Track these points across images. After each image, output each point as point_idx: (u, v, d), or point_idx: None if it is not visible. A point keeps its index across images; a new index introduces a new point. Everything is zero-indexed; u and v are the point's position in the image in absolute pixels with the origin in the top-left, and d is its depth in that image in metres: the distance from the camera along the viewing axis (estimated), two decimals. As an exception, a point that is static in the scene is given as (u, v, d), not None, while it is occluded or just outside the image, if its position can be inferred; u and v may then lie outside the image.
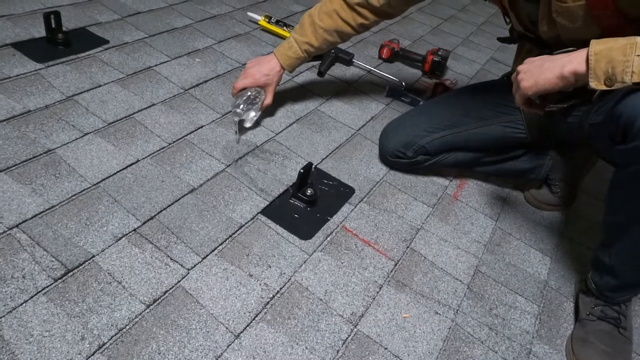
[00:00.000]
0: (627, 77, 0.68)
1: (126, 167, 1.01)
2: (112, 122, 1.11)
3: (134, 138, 1.09)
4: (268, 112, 1.26)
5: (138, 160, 1.03)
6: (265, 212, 1.00)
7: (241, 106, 1.13)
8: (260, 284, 0.86)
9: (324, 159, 1.19)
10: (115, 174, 0.99)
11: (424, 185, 1.21)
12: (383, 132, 1.23)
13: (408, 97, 1.50)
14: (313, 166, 1.04)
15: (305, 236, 0.97)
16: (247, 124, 1.20)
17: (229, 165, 1.09)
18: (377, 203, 1.12)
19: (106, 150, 1.03)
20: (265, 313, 0.82)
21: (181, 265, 0.85)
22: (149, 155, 1.05)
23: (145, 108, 1.18)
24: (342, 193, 1.11)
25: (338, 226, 1.02)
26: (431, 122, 1.16)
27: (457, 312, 0.93)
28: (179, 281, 0.83)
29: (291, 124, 1.28)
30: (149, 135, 1.11)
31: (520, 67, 0.84)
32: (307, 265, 0.92)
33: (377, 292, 0.91)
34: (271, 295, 0.85)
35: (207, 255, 0.88)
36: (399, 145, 1.17)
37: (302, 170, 1.00)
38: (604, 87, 0.71)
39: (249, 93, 1.15)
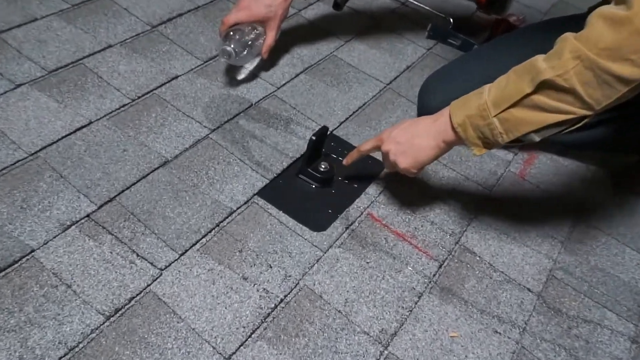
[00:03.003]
0: (499, 138, 0.83)
1: (74, 132, 1.01)
2: (55, 70, 1.11)
3: (84, 92, 1.08)
4: (267, 57, 1.24)
5: (91, 122, 1.03)
6: (263, 193, 1.00)
7: (232, 45, 1.11)
8: (258, 290, 0.87)
9: (342, 122, 1.19)
10: (59, 140, 0.99)
11: (478, 160, 1.21)
12: (423, 87, 1.23)
13: (458, 38, 1.49)
14: (328, 131, 1.04)
15: (317, 227, 0.98)
16: (241, 76, 1.19)
17: (215, 129, 1.09)
18: (415, 183, 1.11)
19: (47, 108, 1.03)
20: (266, 329, 0.83)
21: (151, 263, 0.86)
22: (105, 116, 1.05)
23: (99, 51, 1.18)
24: (367, 169, 1.11)
25: (362, 214, 1.03)
26: (489, 73, 1.14)
27: (523, 331, 0.93)
28: (148, 285, 0.83)
29: (298, 75, 1.27)
30: (105, 88, 1.10)
31: (386, 149, 0.95)
32: (320, 265, 0.93)
33: (416, 303, 0.92)
34: (273, 305, 0.86)
35: (187, 251, 0.89)
36: (446, 104, 1.15)
37: (314, 137, 0.99)
38: (487, 149, 0.87)
39: (244, 30, 1.14)
